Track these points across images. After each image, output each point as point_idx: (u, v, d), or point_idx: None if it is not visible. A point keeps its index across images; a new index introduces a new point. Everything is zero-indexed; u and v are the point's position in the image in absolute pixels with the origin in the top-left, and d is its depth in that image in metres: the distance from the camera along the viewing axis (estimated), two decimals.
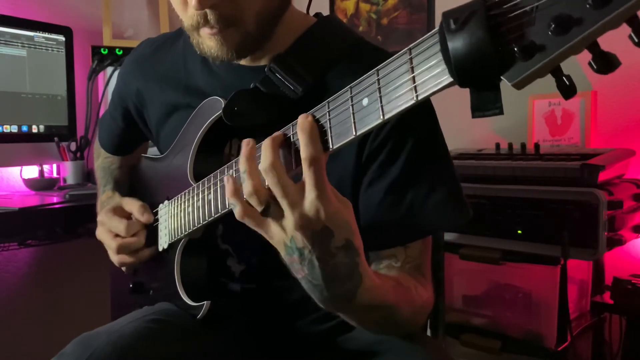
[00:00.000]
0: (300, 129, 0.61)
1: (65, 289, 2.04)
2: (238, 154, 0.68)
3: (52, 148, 1.83)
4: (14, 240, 1.55)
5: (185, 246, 0.93)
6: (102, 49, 2.00)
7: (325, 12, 1.14)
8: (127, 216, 1.01)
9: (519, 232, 1.55)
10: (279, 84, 0.85)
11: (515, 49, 0.44)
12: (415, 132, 0.83)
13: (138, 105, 1.05)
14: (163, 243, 0.97)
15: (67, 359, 0.77)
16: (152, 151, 1.13)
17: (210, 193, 0.82)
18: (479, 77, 0.47)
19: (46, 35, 1.80)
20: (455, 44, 0.46)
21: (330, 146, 0.62)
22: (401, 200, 0.83)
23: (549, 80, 0.46)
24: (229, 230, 0.95)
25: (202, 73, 0.94)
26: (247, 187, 0.64)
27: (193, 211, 0.87)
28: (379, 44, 0.93)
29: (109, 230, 1.00)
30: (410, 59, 0.53)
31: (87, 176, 1.89)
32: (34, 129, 1.79)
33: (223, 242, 0.96)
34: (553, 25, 0.42)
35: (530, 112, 1.84)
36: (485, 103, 0.47)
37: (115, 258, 1.01)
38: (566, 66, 0.45)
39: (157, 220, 1.00)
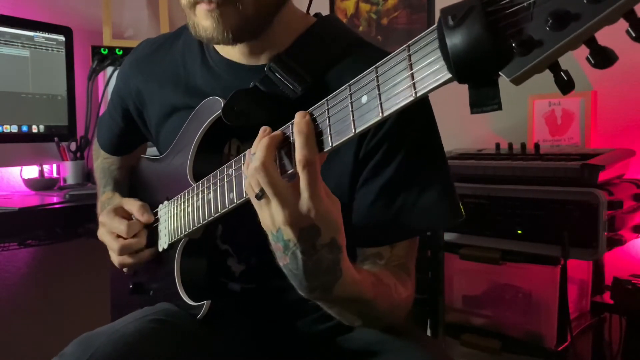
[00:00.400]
0: (296, 130, 0.63)
1: (65, 289, 2.03)
2: (237, 154, 0.69)
3: (52, 148, 1.83)
4: (14, 240, 1.55)
5: (185, 246, 0.92)
6: (102, 49, 2.00)
7: (325, 12, 1.14)
8: (128, 216, 1.01)
9: (519, 232, 1.55)
10: (278, 83, 0.85)
11: (514, 44, 0.44)
12: (412, 134, 0.83)
13: (138, 105, 1.05)
14: (163, 243, 0.97)
15: (68, 359, 0.77)
16: (152, 151, 1.13)
17: (209, 193, 0.82)
18: (477, 73, 0.47)
19: (46, 35, 1.80)
20: (454, 40, 0.46)
21: (330, 144, 0.62)
22: (393, 202, 0.83)
23: (549, 80, 0.46)
24: (228, 230, 0.95)
25: (201, 73, 0.94)
26: (248, 169, 0.66)
27: (193, 211, 0.87)
28: (379, 44, 0.93)
29: (110, 231, 1.00)
30: (409, 55, 0.53)
31: (87, 176, 1.89)
32: (34, 129, 1.79)
33: (223, 242, 0.96)
34: (550, 21, 0.42)
35: (530, 112, 1.84)
36: (484, 99, 0.48)
37: (116, 259, 1.00)
38: (566, 66, 0.45)
39: (157, 220, 1.00)
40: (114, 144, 1.17)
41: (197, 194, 0.86)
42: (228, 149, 0.92)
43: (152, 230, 0.99)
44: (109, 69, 1.98)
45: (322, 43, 0.88)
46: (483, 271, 1.68)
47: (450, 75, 0.49)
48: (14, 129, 1.74)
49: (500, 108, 0.47)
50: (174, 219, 0.93)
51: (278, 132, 0.67)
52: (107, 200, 1.12)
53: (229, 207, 0.78)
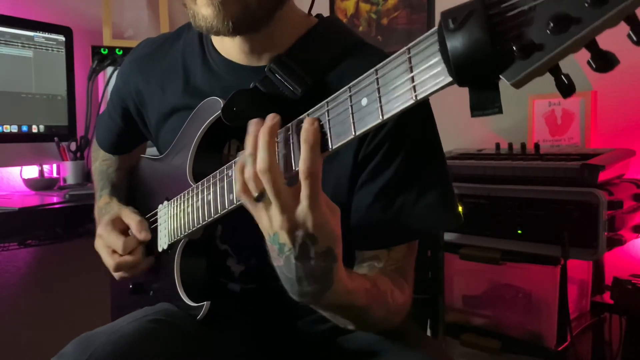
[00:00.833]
0: (303, 138, 0.61)
1: (65, 289, 2.03)
2: (237, 154, 0.68)
3: (52, 148, 1.83)
4: (14, 240, 1.55)
5: (184, 247, 0.92)
6: (102, 49, 2.00)
7: (325, 12, 1.14)
8: (126, 229, 1.00)
9: (519, 232, 1.55)
10: (278, 84, 0.85)
11: (514, 48, 0.44)
12: (411, 137, 0.83)
13: (138, 105, 1.04)
14: (163, 244, 0.97)
15: (67, 359, 0.77)
16: (151, 151, 1.13)
17: (209, 193, 0.82)
18: (478, 77, 0.47)
19: (46, 35, 1.80)
20: (454, 43, 0.46)
21: (330, 146, 0.62)
22: (390, 205, 0.83)
23: (549, 80, 0.46)
24: (228, 230, 0.95)
25: (201, 73, 0.94)
26: (248, 171, 0.65)
27: (192, 211, 0.87)
28: (379, 44, 0.93)
29: (107, 245, 1.00)
30: (409, 58, 0.53)
31: (87, 176, 1.89)
32: (34, 129, 1.78)
33: (222, 243, 0.96)
34: (551, 24, 0.42)
35: (530, 112, 1.84)
36: (485, 102, 0.47)
37: (112, 273, 1.01)
38: (566, 66, 0.45)
39: (156, 221, 1.00)
40: (113, 143, 1.17)
41: (197, 195, 0.86)
42: (228, 149, 0.92)
43: (151, 231, 1.00)
44: (109, 69, 1.98)
45: (323, 45, 0.88)
46: (483, 271, 1.68)
47: (450, 79, 0.48)
48: (14, 129, 1.74)
49: (500, 112, 0.47)
50: (174, 219, 0.93)
51: (278, 130, 0.67)
52: (104, 205, 1.12)
53: (229, 207, 0.78)
